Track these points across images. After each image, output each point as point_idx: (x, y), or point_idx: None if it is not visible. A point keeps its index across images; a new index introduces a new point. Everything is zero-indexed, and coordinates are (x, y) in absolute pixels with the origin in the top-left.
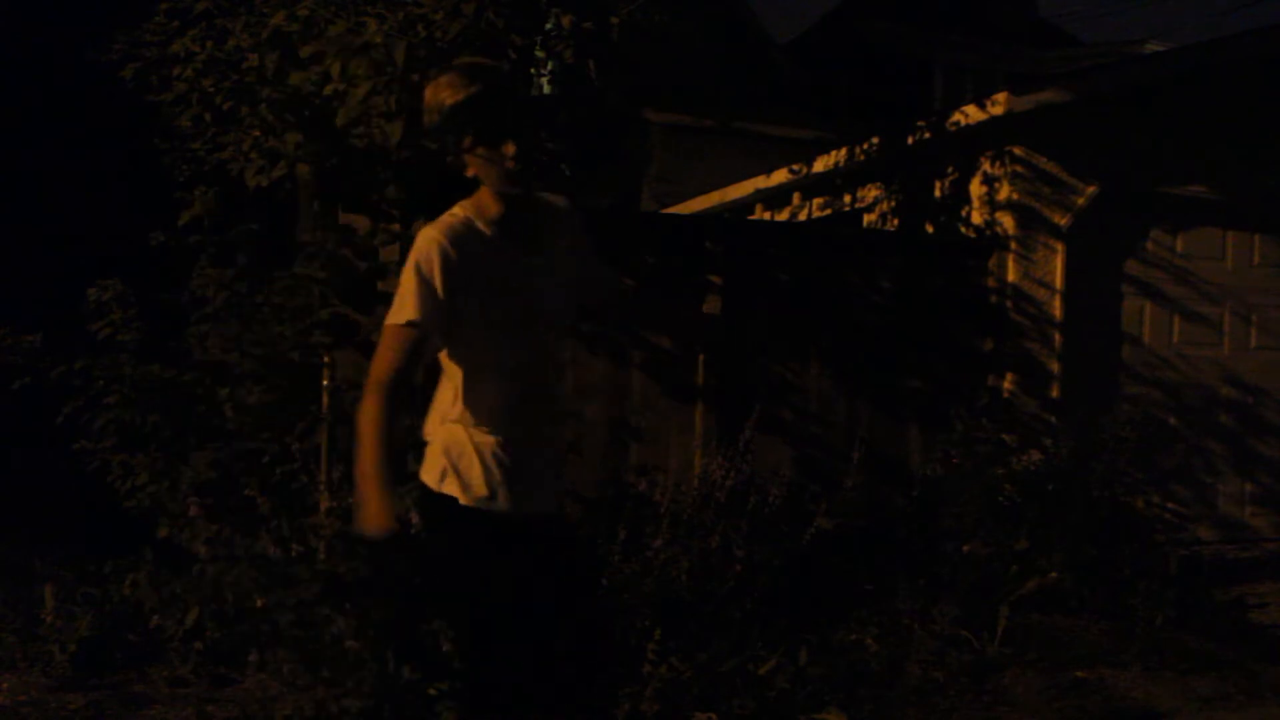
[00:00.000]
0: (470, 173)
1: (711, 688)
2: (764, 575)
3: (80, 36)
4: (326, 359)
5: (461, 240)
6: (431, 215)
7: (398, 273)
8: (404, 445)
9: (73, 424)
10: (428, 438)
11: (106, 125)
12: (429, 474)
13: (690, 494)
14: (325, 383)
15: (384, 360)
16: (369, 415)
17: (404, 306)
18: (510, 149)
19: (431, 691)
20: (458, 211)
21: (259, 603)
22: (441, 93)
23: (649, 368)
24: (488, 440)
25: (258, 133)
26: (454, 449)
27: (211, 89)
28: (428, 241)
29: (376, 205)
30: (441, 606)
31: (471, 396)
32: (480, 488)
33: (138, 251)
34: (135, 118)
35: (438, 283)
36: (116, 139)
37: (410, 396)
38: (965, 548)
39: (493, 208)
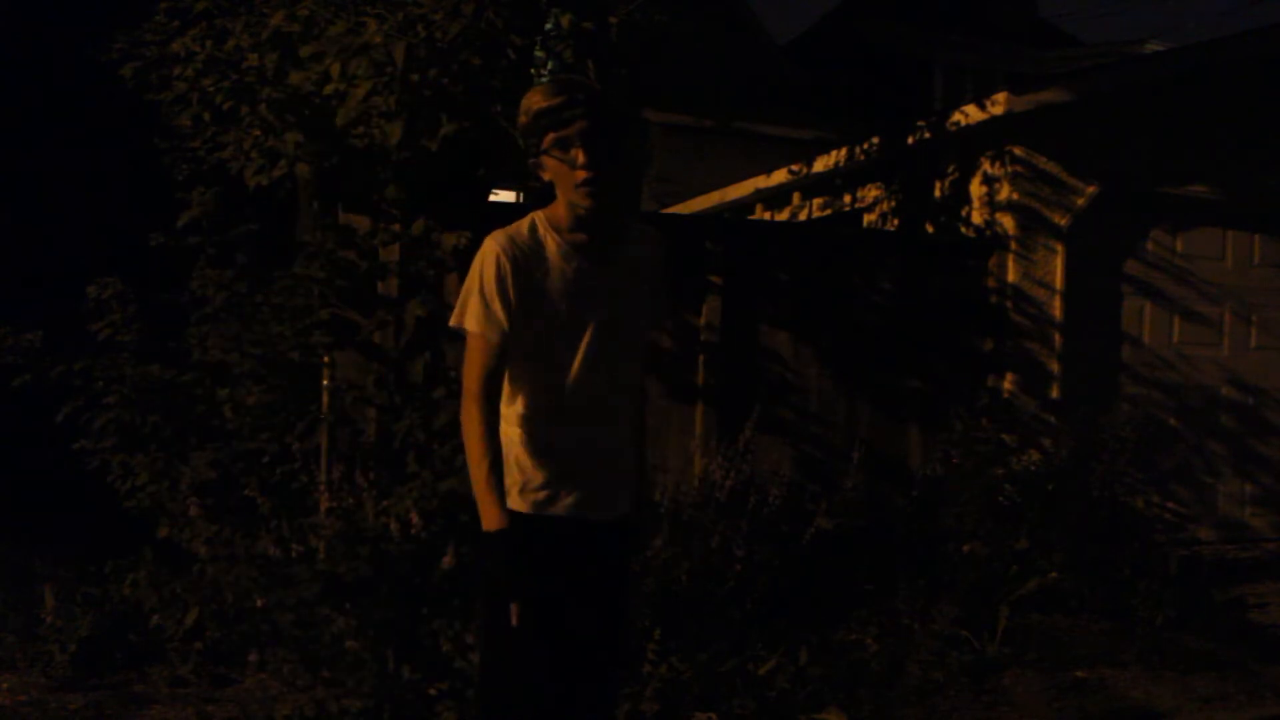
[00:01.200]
0: (546, 177)
1: (711, 688)
2: (764, 575)
3: (80, 36)
4: (326, 359)
5: (523, 247)
6: (432, 215)
7: (398, 272)
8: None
9: (72, 424)
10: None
11: (106, 125)
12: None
13: (690, 494)
14: (325, 383)
15: (469, 369)
16: (466, 427)
17: (468, 314)
18: (580, 157)
19: (431, 691)
20: (531, 218)
21: (259, 603)
22: (534, 97)
23: (649, 367)
24: (536, 444)
25: (258, 132)
26: (509, 452)
27: (211, 88)
28: (488, 250)
29: (376, 205)
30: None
31: (526, 400)
32: (533, 492)
33: (138, 251)
34: (135, 117)
35: (493, 291)
36: (116, 139)
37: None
38: (965, 548)
39: (564, 217)
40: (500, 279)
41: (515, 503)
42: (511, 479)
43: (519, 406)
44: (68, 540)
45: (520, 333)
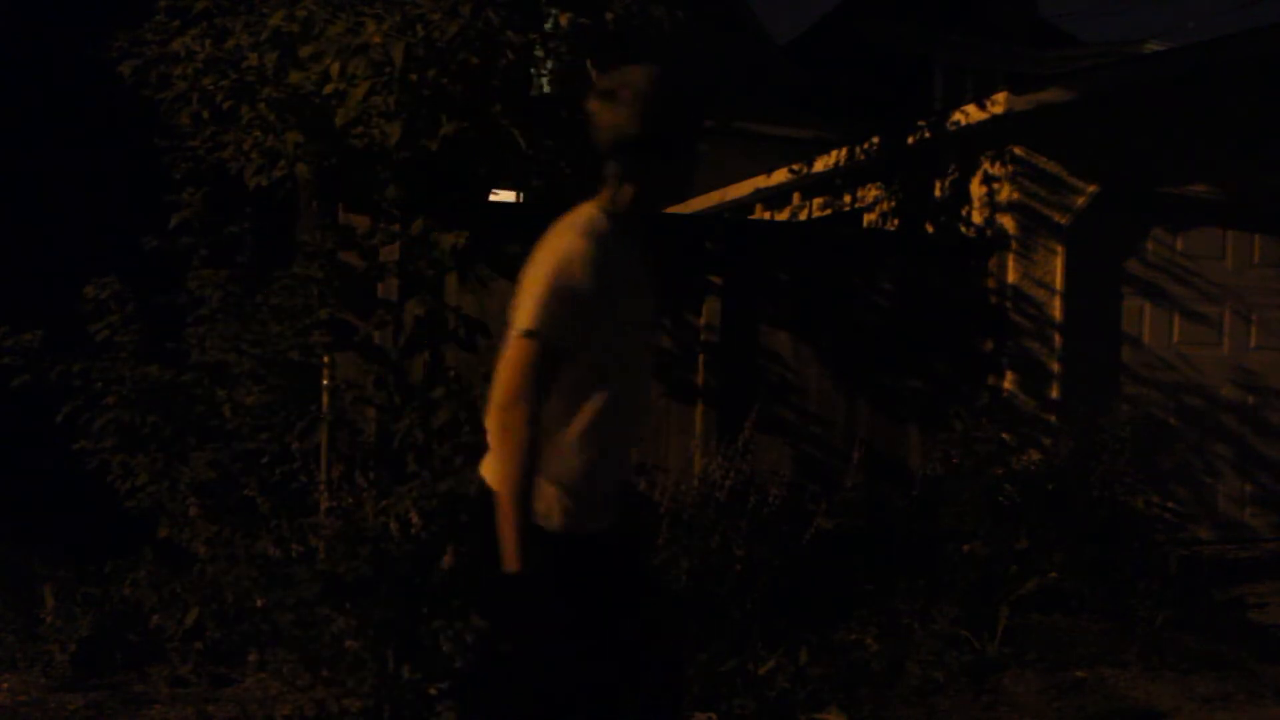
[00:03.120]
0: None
1: (711, 688)
2: (764, 575)
3: (80, 36)
4: (326, 359)
5: (602, 246)
6: (431, 215)
7: (397, 273)
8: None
9: (72, 424)
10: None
11: (106, 125)
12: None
13: (690, 494)
14: (325, 383)
15: (517, 370)
16: (507, 434)
17: (536, 312)
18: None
19: (431, 691)
20: (591, 213)
21: (259, 603)
22: (646, 76)
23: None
24: (585, 458)
25: (258, 133)
26: (557, 468)
27: (211, 87)
28: (570, 246)
29: (376, 205)
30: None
31: (573, 410)
32: (575, 510)
33: (137, 251)
34: (135, 117)
35: (569, 290)
36: (116, 138)
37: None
38: (965, 548)
39: (622, 217)
40: (577, 277)
41: (555, 523)
42: (551, 495)
43: (566, 417)
44: (68, 540)
45: (585, 338)
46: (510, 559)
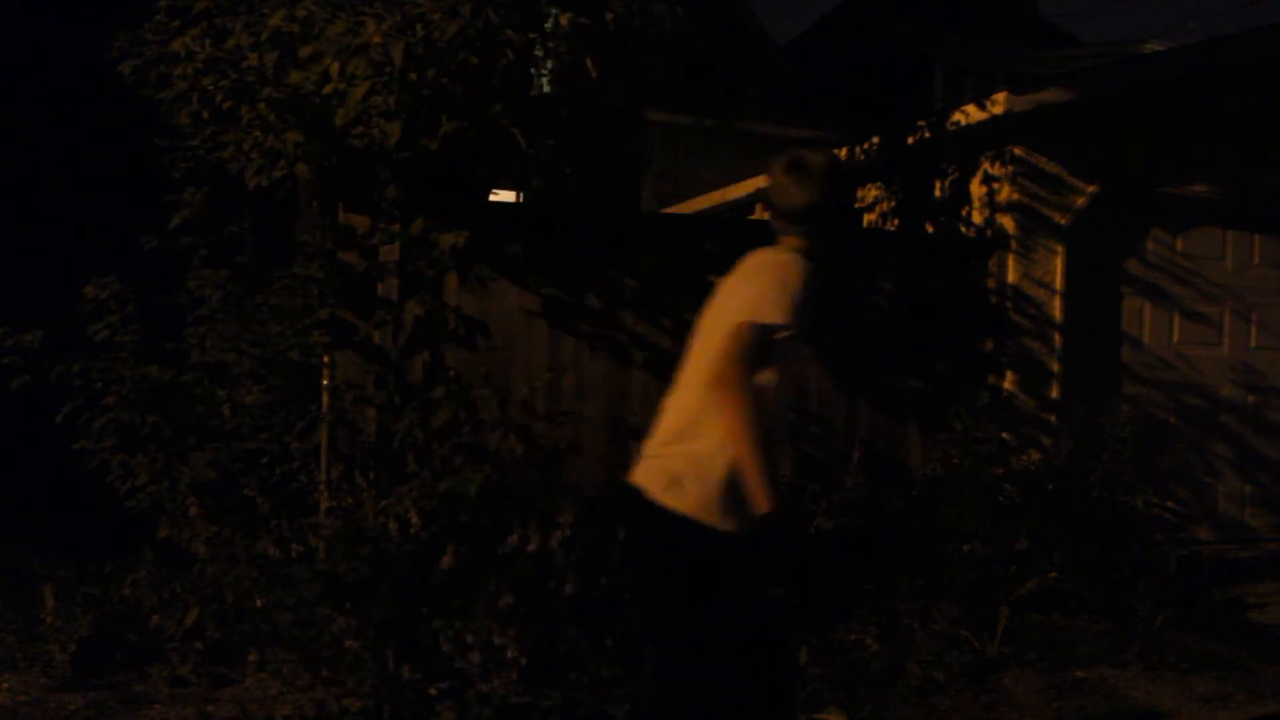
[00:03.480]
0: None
1: None
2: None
3: (80, 35)
4: (326, 359)
5: (811, 271)
6: (431, 214)
7: (397, 273)
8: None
9: (72, 424)
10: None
11: (106, 125)
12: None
13: None
14: (325, 382)
15: (735, 357)
16: (732, 411)
17: (770, 306)
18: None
19: (431, 691)
20: (796, 246)
21: (259, 603)
22: (828, 159)
23: (649, 367)
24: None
25: (258, 133)
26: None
27: (211, 87)
28: (800, 263)
29: (376, 205)
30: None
31: (753, 405)
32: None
33: (137, 251)
34: (135, 117)
35: (799, 296)
36: (116, 139)
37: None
38: (965, 548)
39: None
40: (806, 290)
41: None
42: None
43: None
44: (68, 540)
45: (791, 338)
46: (763, 500)
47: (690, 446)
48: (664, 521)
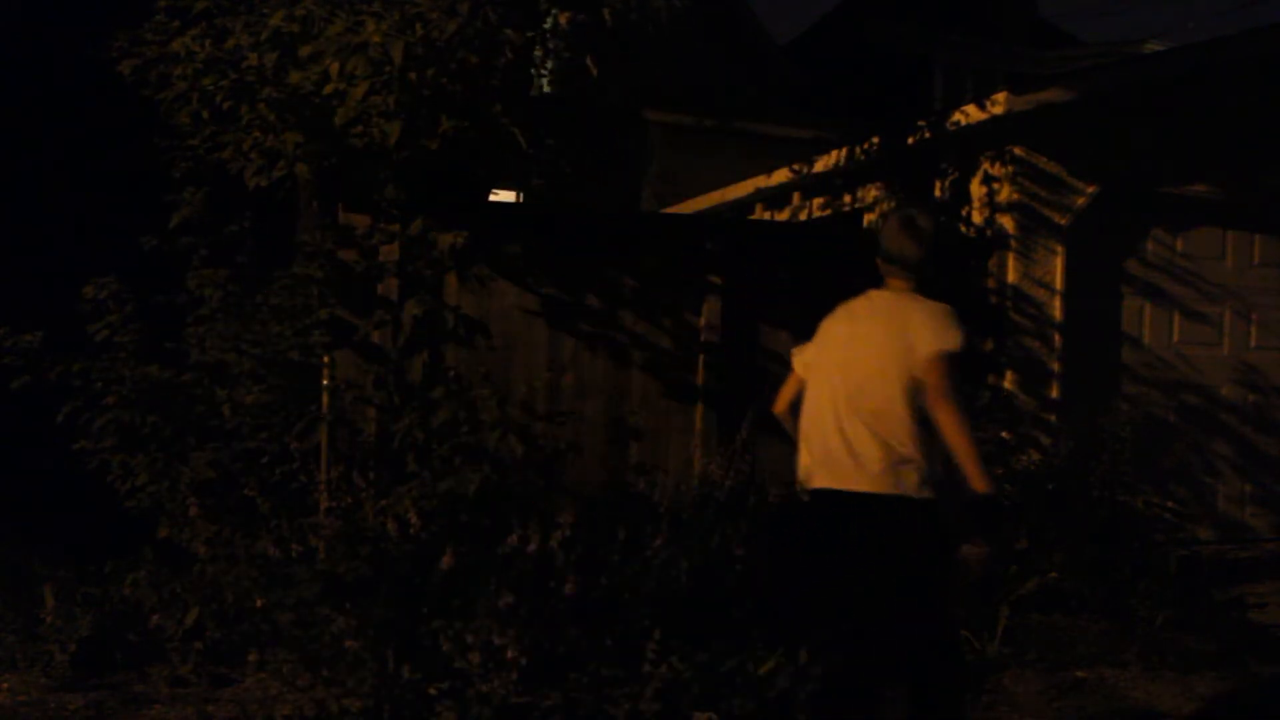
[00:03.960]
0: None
1: (711, 688)
2: (764, 575)
3: (80, 36)
4: (325, 359)
5: None
6: (431, 214)
7: (396, 273)
8: None
9: (72, 424)
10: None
11: (106, 125)
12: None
13: (690, 494)
14: (324, 382)
15: (953, 381)
16: (962, 424)
17: (960, 337)
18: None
19: (431, 691)
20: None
21: (259, 603)
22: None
23: (649, 367)
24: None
25: (258, 132)
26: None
27: (211, 87)
28: (946, 307)
29: (376, 205)
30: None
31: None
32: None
33: (137, 251)
34: (135, 117)
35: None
36: (116, 139)
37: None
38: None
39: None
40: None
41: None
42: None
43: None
44: (68, 540)
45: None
46: (983, 482)
47: (914, 457)
48: (900, 511)
